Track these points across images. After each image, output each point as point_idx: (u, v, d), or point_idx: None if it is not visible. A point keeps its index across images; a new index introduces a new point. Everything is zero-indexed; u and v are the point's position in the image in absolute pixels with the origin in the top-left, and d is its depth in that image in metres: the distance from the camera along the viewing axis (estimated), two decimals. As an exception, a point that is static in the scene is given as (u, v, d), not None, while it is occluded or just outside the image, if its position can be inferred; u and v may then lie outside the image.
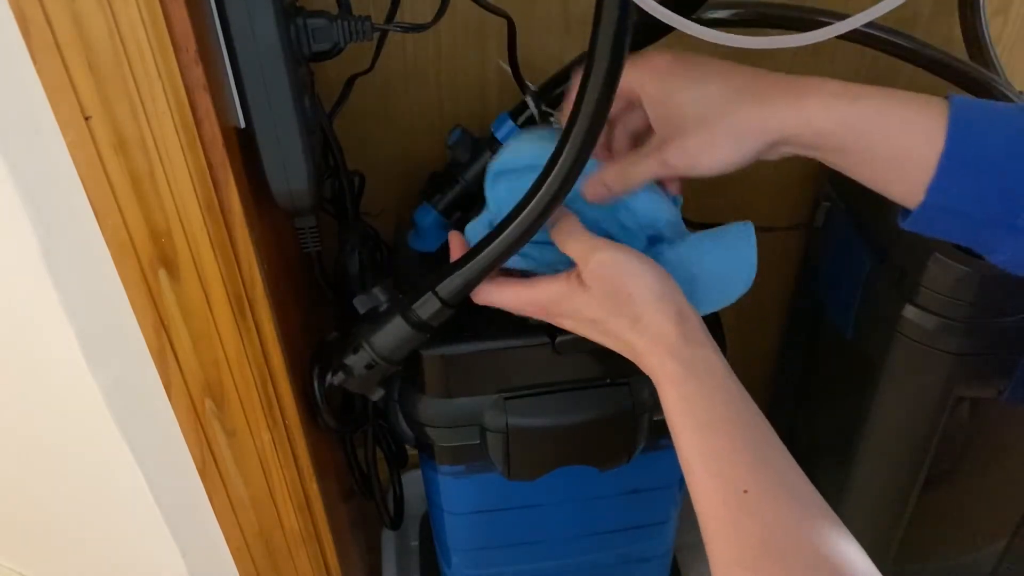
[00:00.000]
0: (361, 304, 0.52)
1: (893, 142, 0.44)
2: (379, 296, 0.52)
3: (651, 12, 0.37)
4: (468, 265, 0.48)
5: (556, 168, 0.44)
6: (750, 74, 0.48)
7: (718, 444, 0.45)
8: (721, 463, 0.45)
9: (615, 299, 0.49)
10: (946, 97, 0.44)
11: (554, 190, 0.45)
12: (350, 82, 0.62)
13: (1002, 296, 0.67)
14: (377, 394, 0.55)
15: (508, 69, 0.63)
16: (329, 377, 0.54)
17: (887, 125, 0.44)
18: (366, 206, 0.67)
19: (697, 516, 0.46)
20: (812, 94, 0.46)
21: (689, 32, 0.38)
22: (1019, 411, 0.75)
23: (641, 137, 0.55)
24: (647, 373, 0.49)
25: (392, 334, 0.51)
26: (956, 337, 0.69)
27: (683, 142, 0.48)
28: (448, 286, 0.49)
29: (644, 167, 0.50)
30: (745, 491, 0.43)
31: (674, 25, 0.38)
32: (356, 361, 0.52)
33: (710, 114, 0.47)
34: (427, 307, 0.50)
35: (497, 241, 0.47)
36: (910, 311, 0.70)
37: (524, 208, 0.46)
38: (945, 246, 0.68)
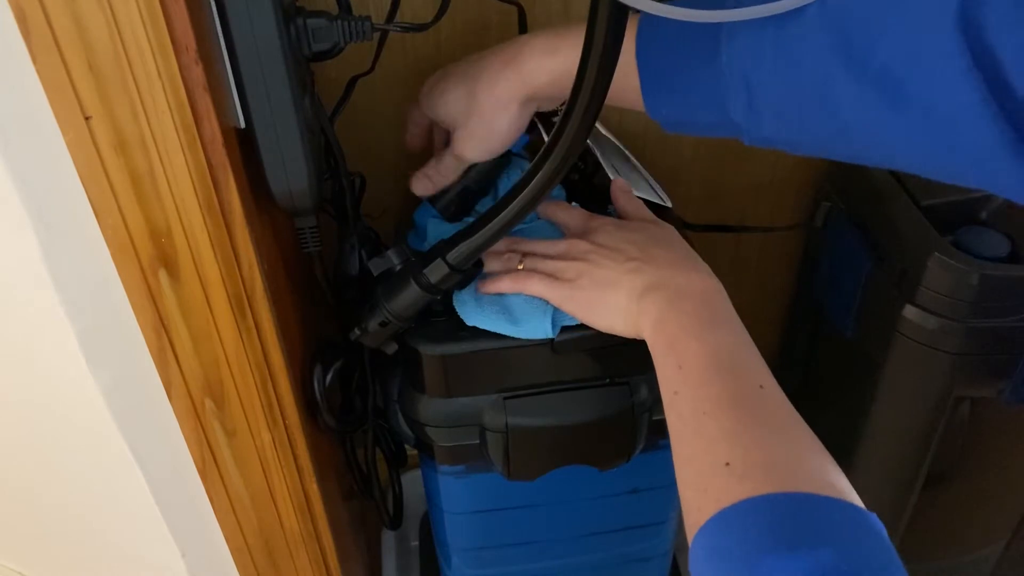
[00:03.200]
0: (376, 266, 0.56)
1: None
2: (392, 259, 0.56)
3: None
4: (476, 234, 0.52)
5: (563, 136, 0.45)
6: (483, 58, 0.55)
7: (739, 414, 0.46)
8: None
9: (682, 244, 0.56)
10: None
11: (561, 156, 0.46)
12: (351, 83, 0.62)
13: (1002, 296, 0.67)
14: (391, 348, 0.59)
15: None
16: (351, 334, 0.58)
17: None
18: (367, 207, 0.67)
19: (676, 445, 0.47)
20: (525, 58, 0.53)
21: (645, 9, 0.39)
22: (1019, 411, 0.75)
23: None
24: (674, 315, 0.50)
25: (404, 295, 0.54)
26: (956, 337, 0.69)
27: (464, 133, 0.57)
28: (456, 253, 0.53)
29: (447, 160, 0.61)
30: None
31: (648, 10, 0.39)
32: (372, 318, 0.56)
33: (470, 103, 0.55)
34: (436, 271, 0.53)
35: (505, 211, 0.50)
36: (910, 311, 0.70)
37: (532, 177, 0.48)
38: (945, 246, 0.68)
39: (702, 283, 0.52)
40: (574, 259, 0.56)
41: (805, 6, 0.40)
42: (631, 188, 0.63)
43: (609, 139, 0.71)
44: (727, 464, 0.42)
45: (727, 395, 0.45)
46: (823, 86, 0.41)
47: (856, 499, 0.41)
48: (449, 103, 0.57)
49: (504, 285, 0.57)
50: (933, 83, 0.37)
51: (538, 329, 0.56)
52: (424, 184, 0.63)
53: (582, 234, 0.58)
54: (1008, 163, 0.37)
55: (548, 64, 0.53)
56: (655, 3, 0.39)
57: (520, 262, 0.58)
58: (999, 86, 0.35)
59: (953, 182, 0.42)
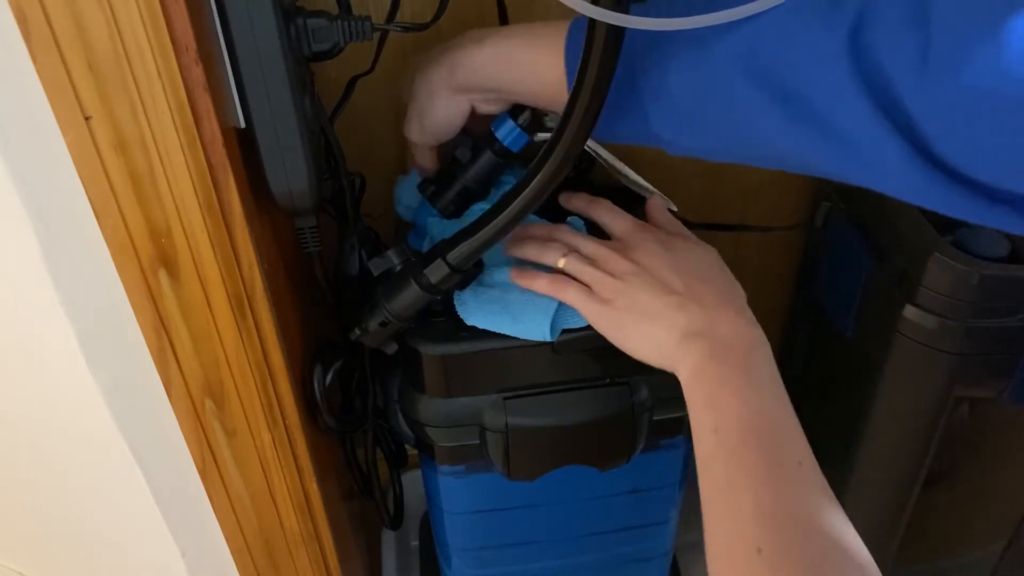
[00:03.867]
0: (376, 266, 0.56)
1: (521, 72, 0.53)
2: (392, 259, 0.55)
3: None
4: (476, 234, 0.51)
5: (563, 136, 0.45)
6: (432, 52, 0.58)
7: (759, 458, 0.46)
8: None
9: (725, 276, 0.55)
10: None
11: (561, 156, 0.46)
12: (352, 83, 0.62)
13: (1002, 296, 0.67)
14: (391, 348, 0.59)
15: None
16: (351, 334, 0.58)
17: (512, 63, 0.53)
18: (367, 207, 0.67)
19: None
20: (455, 47, 0.55)
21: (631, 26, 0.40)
22: (1019, 411, 0.75)
23: None
24: (707, 360, 0.49)
25: (404, 295, 0.54)
26: (956, 337, 0.69)
27: (407, 115, 0.61)
28: (456, 253, 0.53)
29: (413, 149, 0.64)
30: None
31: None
32: (372, 318, 0.56)
33: (413, 89, 0.59)
34: (437, 272, 0.53)
35: (506, 211, 0.50)
36: (910, 311, 0.70)
37: (533, 177, 0.48)
38: (945, 246, 0.68)
39: (746, 334, 0.51)
40: (613, 274, 0.54)
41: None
42: (667, 205, 0.63)
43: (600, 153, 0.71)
44: (759, 551, 0.41)
45: (764, 469, 0.44)
46: (731, 96, 0.43)
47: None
48: (403, 87, 0.61)
49: (540, 285, 0.55)
50: (827, 99, 0.39)
51: (537, 331, 0.56)
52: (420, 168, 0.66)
53: (624, 247, 0.55)
54: (900, 172, 0.38)
55: (473, 55, 0.54)
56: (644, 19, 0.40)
57: (564, 256, 0.56)
58: (889, 103, 0.37)
59: (858, 184, 0.43)
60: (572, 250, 0.56)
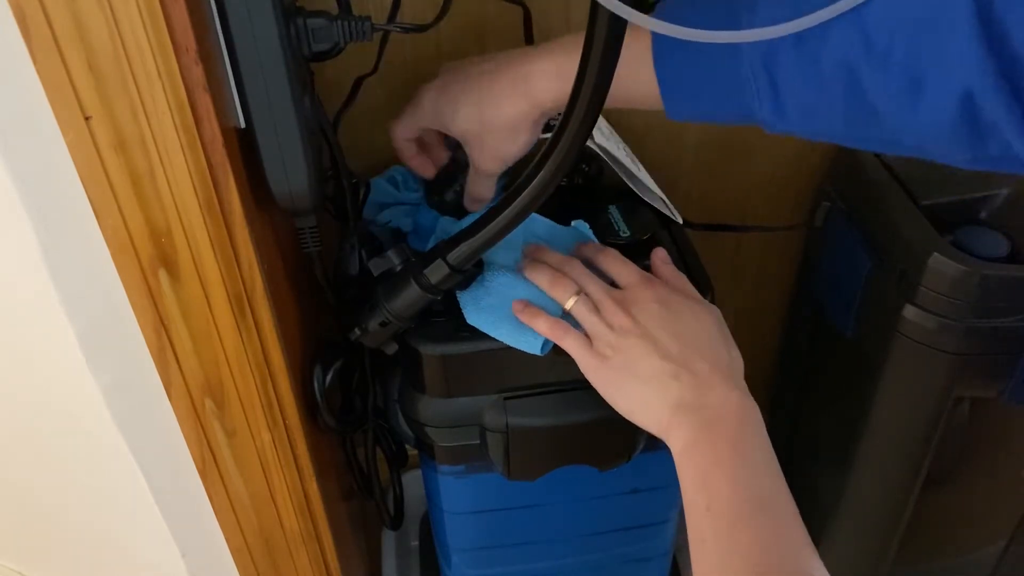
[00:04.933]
0: (376, 266, 0.56)
1: (619, 94, 0.50)
2: (392, 259, 0.55)
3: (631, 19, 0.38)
4: (477, 235, 0.51)
5: (563, 137, 0.45)
6: (490, 74, 0.55)
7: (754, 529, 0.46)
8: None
9: (723, 340, 0.54)
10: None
11: (561, 156, 0.46)
12: (357, 84, 0.62)
13: (1002, 296, 0.67)
14: (391, 348, 0.59)
15: None
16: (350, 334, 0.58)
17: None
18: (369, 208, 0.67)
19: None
20: (535, 80, 0.53)
21: (668, 33, 0.39)
22: (1019, 411, 0.75)
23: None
24: (698, 426, 0.49)
25: (404, 295, 0.54)
26: (956, 337, 0.69)
27: (480, 152, 0.58)
28: (457, 253, 0.52)
29: (475, 179, 0.62)
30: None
31: (654, 28, 0.39)
32: (372, 318, 0.56)
33: (483, 124, 0.56)
34: (437, 272, 0.53)
35: (506, 211, 0.50)
36: (910, 311, 0.70)
37: (533, 178, 0.48)
38: (945, 246, 0.68)
39: (738, 407, 0.50)
40: (613, 327, 0.53)
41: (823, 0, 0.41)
42: (675, 217, 0.63)
43: (617, 149, 0.71)
44: None
45: (758, 555, 0.44)
46: (848, 80, 0.43)
47: None
48: (459, 120, 0.57)
49: (540, 327, 0.55)
50: (948, 67, 0.39)
51: (529, 343, 0.56)
52: (475, 206, 0.64)
53: (627, 300, 0.55)
54: (1020, 138, 0.38)
55: (560, 87, 0.53)
56: (679, 27, 0.40)
57: (573, 295, 0.55)
58: (1012, 64, 0.37)
59: (973, 167, 0.43)
60: (581, 289, 0.56)
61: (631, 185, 0.68)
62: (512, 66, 0.55)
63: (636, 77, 0.50)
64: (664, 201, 0.69)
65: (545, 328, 0.55)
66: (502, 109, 0.55)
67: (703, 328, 0.54)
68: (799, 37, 0.43)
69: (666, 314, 0.53)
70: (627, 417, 0.53)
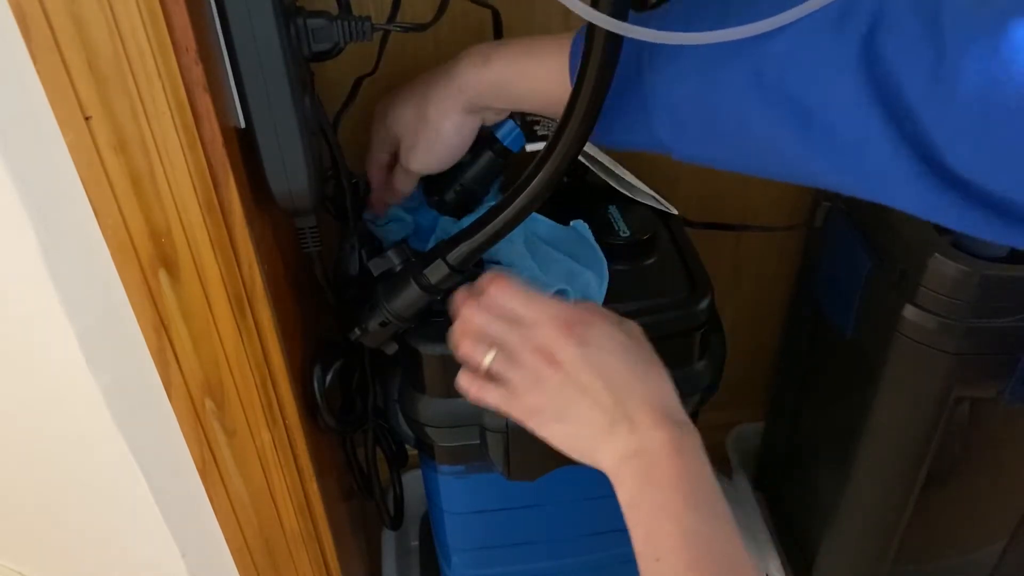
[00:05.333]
0: (376, 266, 0.56)
1: (530, 87, 0.53)
2: (392, 259, 0.55)
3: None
4: (476, 235, 0.51)
5: (563, 137, 0.45)
6: (429, 74, 0.58)
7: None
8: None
9: (645, 358, 0.52)
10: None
11: (560, 156, 0.46)
12: (357, 84, 0.62)
13: (1002, 296, 0.67)
14: (391, 348, 0.59)
15: None
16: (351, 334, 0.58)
17: (521, 79, 0.53)
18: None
19: None
20: (460, 69, 0.55)
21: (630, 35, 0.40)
22: (1019, 411, 0.75)
23: None
24: (623, 461, 0.49)
25: (404, 295, 0.54)
26: (956, 337, 0.69)
27: (410, 144, 0.59)
28: (456, 254, 0.53)
29: (399, 175, 0.63)
30: None
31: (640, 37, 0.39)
32: (372, 318, 0.56)
33: (417, 116, 0.58)
34: (436, 272, 0.53)
35: (505, 211, 0.50)
36: (910, 311, 0.70)
37: (532, 178, 0.48)
38: (945, 246, 0.68)
39: (673, 441, 0.48)
40: (536, 377, 0.50)
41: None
42: (667, 208, 0.63)
43: (597, 152, 0.71)
44: None
45: None
46: (740, 115, 0.43)
47: None
48: (399, 119, 0.59)
49: (463, 385, 0.53)
50: (838, 112, 0.39)
51: None
52: (380, 206, 0.66)
53: (544, 344, 0.51)
54: (911, 186, 0.38)
55: (481, 74, 0.55)
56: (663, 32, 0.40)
57: (488, 351, 0.52)
58: (902, 113, 0.37)
59: (869, 199, 0.43)
60: (497, 345, 0.52)
61: (616, 186, 0.68)
62: (446, 63, 0.57)
63: (551, 86, 0.52)
64: (654, 197, 0.69)
65: (466, 386, 0.53)
66: (433, 99, 0.57)
67: (626, 359, 0.51)
68: (698, 68, 0.44)
69: (587, 352, 0.50)
70: (564, 453, 0.52)
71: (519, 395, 0.51)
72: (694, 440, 0.49)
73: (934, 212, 0.39)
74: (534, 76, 0.53)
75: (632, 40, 0.41)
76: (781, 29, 0.39)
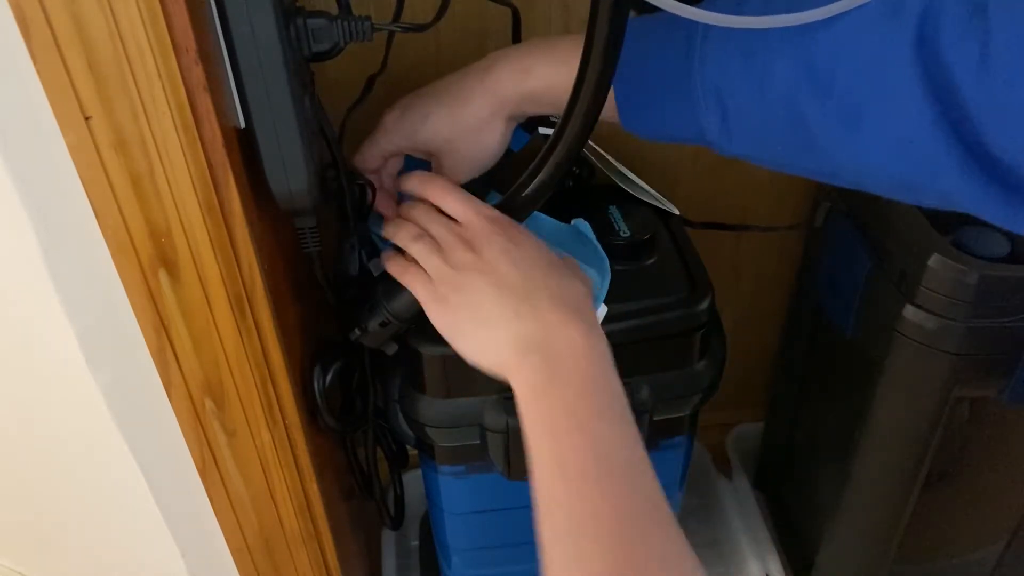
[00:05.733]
0: (376, 267, 0.56)
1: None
2: None
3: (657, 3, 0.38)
4: None
5: (564, 135, 0.46)
6: (458, 80, 0.56)
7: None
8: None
9: (569, 270, 0.51)
10: None
11: (562, 155, 0.46)
12: (370, 82, 0.62)
13: (1002, 296, 0.67)
14: (391, 348, 0.58)
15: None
16: (350, 335, 0.58)
17: (566, 86, 0.49)
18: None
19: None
20: (497, 77, 0.54)
21: (687, 16, 0.39)
22: (1019, 411, 0.75)
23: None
24: (539, 363, 0.46)
25: (404, 295, 0.54)
26: (956, 337, 0.69)
27: (452, 157, 0.57)
28: None
29: (461, 180, 0.59)
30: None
31: (675, 11, 0.39)
32: (372, 318, 0.56)
33: (454, 127, 0.56)
34: None
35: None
36: (910, 311, 0.70)
37: (534, 177, 0.48)
38: (945, 246, 0.68)
39: (585, 345, 0.46)
40: (455, 267, 0.50)
41: (771, 29, 0.41)
42: (669, 208, 0.62)
43: (604, 155, 0.71)
44: None
45: (615, 513, 0.41)
46: (791, 107, 0.43)
47: None
48: (429, 127, 0.57)
49: (387, 262, 0.54)
50: (889, 105, 0.39)
51: None
52: (388, 207, 0.62)
53: (471, 235, 0.51)
54: (957, 180, 0.38)
55: (524, 85, 0.54)
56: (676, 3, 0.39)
57: (418, 237, 0.53)
58: (953, 107, 0.37)
59: (913, 202, 0.43)
60: (423, 231, 0.53)
61: (619, 183, 0.68)
62: (475, 67, 0.56)
63: None
64: (655, 196, 0.69)
65: (393, 266, 0.53)
66: (469, 107, 0.55)
67: (550, 264, 0.50)
68: (748, 60, 0.44)
69: (511, 249, 0.50)
70: (471, 361, 0.50)
71: (437, 280, 0.50)
72: (604, 349, 0.47)
73: (980, 207, 0.39)
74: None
75: (679, 34, 0.41)
76: (833, 20, 0.39)
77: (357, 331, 0.57)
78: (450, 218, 0.53)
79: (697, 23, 0.45)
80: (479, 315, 0.49)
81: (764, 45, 0.43)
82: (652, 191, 0.69)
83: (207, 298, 0.46)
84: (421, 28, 0.54)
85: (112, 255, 0.43)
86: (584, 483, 0.42)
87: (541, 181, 0.50)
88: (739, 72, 0.45)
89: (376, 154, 0.61)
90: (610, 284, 0.60)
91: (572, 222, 0.64)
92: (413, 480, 0.85)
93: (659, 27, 0.49)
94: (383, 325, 0.56)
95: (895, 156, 0.40)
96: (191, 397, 0.50)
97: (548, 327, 0.47)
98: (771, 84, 0.43)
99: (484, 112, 0.55)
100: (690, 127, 0.49)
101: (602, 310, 0.58)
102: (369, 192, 0.59)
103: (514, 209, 0.52)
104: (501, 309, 0.48)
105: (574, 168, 0.72)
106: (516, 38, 0.65)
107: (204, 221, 0.43)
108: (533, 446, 0.44)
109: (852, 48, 0.40)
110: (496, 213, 0.52)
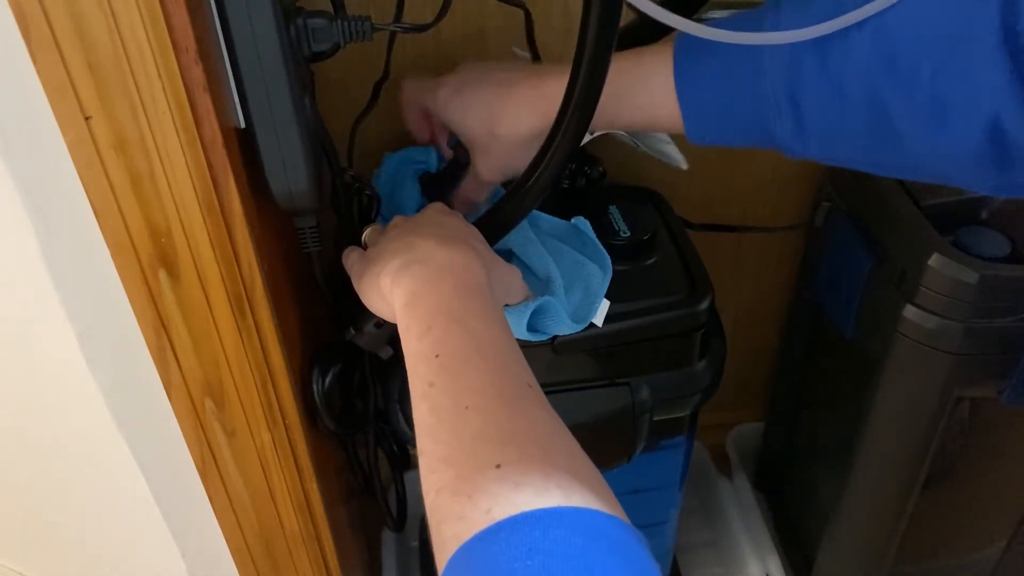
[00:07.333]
0: None
1: (636, 106, 0.51)
2: None
3: (651, 14, 0.37)
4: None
5: (557, 139, 0.46)
6: (506, 85, 0.55)
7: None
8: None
9: (465, 226, 0.52)
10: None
11: (563, 155, 0.46)
12: (377, 88, 0.62)
13: (1002, 296, 0.67)
14: (386, 352, 0.58)
15: (527, 55, 0.66)
16: (345, 335, 0.58)
17: (622, 100, 0.51)
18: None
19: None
20: (550, 98, 0.51)
21: (690, 32, 0.39)
22: (1019, 411, 0.75)
23: None
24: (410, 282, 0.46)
25: None
26: (956, 337, 0.69)
27: (485, 161, 0.58)
28: None
29: (471, 185, 0.62)
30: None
31: (675, 26, 0.38)
32: (368, 319, 0.55)
33: (492, 134, 0.56)
34: None
35: (504, 211, 0.50)
36: (910, 311, 0.70)
37: (530, 177, 0.48)
38: (945, 246, 0.68)
39: (464, 260, 0.46)
40: (385, 234, 0.52)
41: (847, 28, 0.41)
42: (679, 166, 0.62)
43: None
44: (498, 466, 0.35)
45: (495, 389, 0.39)
46: (871, 103, 0.42)
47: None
48: (469, 124, 0.57)
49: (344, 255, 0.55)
50: (975, 92, 0.38)
51: (537, 337, 0.56)
52: (463, 208, 0.63)
53: (413, 218, 0.54)
54: None
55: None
56: (695, 24, 0.40)
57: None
58: None
59: (998, 194, 0.42)
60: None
61: (635, 141, 0.67)
62: (529, 81, 0.55)
63: (658, 101, 0.50)
64: (670, 143, 0.68)
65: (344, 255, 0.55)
66: (517, 124, 0.55)
67: (443, 218, 0.52)
68: (823, 56, 0.43)
69: (436, 216, 0.52)
70: (367, 303, 0.50)
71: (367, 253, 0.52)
72: (480, 267, 0.47)
73: None
74: (639, 96, 0.51)
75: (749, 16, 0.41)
76: (910, 7, 0.39)
77: (352, 331, 0.57)
78: None
79: (762, 26, 0.44)
80: (372, 256, 0.50)
81: (841, 39, 0.42)
82: (667, 137, 0.68)
83: (207, 298, 0.46)
84: (421, 28, 0.54)
85: (112, 255, 0.43)
86: (464, 365, 0.40)
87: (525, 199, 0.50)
88: (814, 66, 0.44)
89: (420, 104, 0.63)
90: (610, 284, 0.60)
91: (572, 220, 0.64)
92: (413, 480, 0.84)
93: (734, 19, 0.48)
94: (378, 326, 0.56)
95: (983, 142, 0.39)
96: (191, 397, 0.50)
97: (429, 245, 0.47)
98: (849, 76, 0.42)
99: (529, 131, 0.55)
100: (760, 132, 0.48)
101: (604, 306, 0.58)
102: (374, 202, 0.60)
103: (497, 226, 0.52)
104: (388, 243, 0.49)
105: (585, 168, 0.72)
106: (530, 39, 0.65)
107: (204, 221, 0.43)
108: (408, 345, 0.43)
109: (932, 28, 0.39)
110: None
